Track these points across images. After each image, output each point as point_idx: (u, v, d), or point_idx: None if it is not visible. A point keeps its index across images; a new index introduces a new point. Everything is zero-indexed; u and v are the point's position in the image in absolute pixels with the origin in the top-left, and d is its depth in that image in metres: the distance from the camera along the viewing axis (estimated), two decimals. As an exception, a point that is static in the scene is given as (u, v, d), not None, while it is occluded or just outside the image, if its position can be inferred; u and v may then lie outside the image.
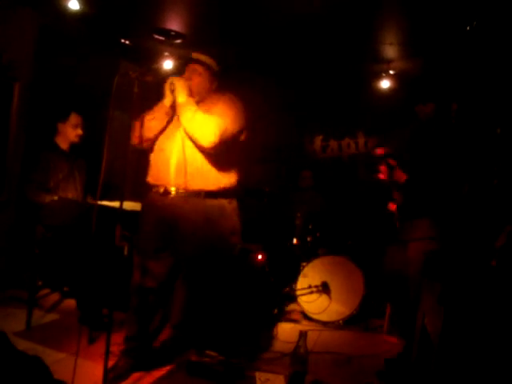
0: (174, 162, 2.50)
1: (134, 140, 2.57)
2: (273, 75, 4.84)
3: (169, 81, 2.54)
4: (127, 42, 4.34)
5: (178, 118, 2.52)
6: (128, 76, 2.24)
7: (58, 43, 4.06)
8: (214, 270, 2.55)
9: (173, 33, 4.10)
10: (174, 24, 3.98)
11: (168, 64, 4.64)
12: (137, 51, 4.57)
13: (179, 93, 2.50)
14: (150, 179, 2.59)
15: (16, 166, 3.83)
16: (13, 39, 3.69)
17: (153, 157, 2.61)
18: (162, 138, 2.60)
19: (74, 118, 3.41)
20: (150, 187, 2.60)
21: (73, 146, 3.47)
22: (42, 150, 3.38)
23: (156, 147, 2.60)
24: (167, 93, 2.54)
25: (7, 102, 3.74)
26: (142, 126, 2.53)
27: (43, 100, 3.95)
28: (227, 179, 2.56)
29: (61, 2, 3.54)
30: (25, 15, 3.78)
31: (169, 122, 2.59)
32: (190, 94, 2.53)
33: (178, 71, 2.76)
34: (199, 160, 2.50)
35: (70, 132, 3.41)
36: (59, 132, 3.43)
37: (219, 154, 2.48)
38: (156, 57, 4.63)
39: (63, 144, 3.44)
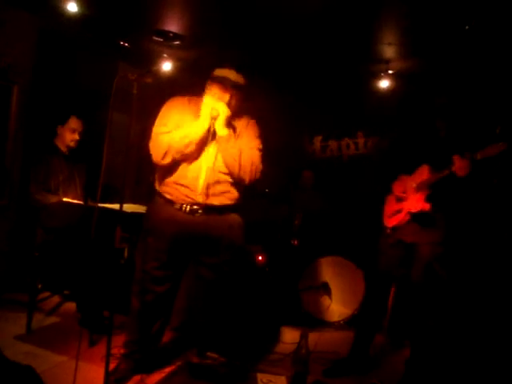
0: (201, 182, 2.44)
1: (162, 161, 2.40)
2: (272, 76, 4.83)
3: (208, 102, 2.41)
4: (126, 44, 4.34)
5: (212, 141, 2.46)
6: (127, 78, 2.23)
7: (56, 46, 4.06)
8: (235, 275, 2.62)
9: (171, 34, 4.09)
10: (173, 25, 3.98)
11: (167, 66, 4.64)
12: (136, 53, 4.57)
13: (221, 124, 2.41)
14: (169, 194, 2.48)
15: (16, 169, 3.83)
16: (12, 42, 3.69)
17: (174, 173, 2.47)
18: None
19: (72, 122, 3.40)
20: (162, 197, 2.51)
21: (72, 149, 3.45)
22: (42, 152, 3.37)
23: (179, 164, 2.47)
24: (206, 116, 2.40)
25: (6, 105, 3.73)
26: (174, 148, 2.37)
27: (42, 102, 3.95)
28: (242, 194, 2.60)
29: (59, 4, 3.53)
30: (24, 18, 3.77)
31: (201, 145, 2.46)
32: (229, 124, 2.47)
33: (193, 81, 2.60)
34: (226, 180, 2.51)
35: (68, 135, 3.40)
36: (58, 134, 3.43)
37: None
38: (155, 58, 4.63)
39: (62, 146, 3.43)
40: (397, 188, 2.89)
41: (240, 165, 2.43)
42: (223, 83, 2.43)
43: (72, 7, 3.55)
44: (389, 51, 4.03)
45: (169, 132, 2.42)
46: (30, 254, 3.24)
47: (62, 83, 4.09)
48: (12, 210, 3.84)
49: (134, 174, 5.23)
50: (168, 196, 2.48)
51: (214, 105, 2.40)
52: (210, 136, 2.43)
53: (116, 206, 2.45)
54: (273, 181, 5.01)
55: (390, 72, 4.40)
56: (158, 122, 2.50)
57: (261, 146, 2.58)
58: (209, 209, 2.47)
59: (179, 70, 4.74)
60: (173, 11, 3.74)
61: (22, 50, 3.80)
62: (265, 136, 2.66)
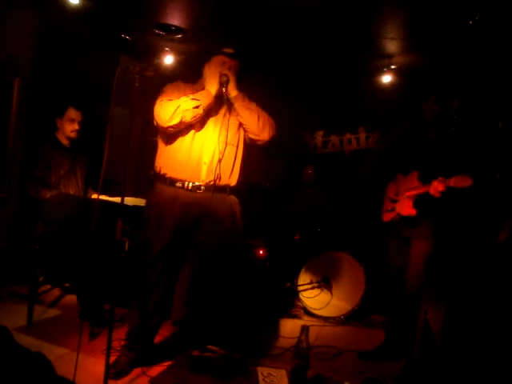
0: (207, 158, 2.50)
1: (169, 121, 2.42)
2: (273, 70, 4.82)
3: (218, 70, 2.52)
4: (128, 37, 4.33)
5: (224, 111, 2.55)
6: (129, 71, 2.22)
7: (58, 38, 4.04)
8: (230, 263, 2.62)
9: (173, 28, 4.08)
10: (175, 19, 3.96)
11: (168, 59, 4.62)
12: (137, 46, 4.55)
13: (232, 86, 2.52)
14: (171, 173, 2.51)
15: (16, 163, 3.82)
16: (13, 35, 3.67)
17: (177, 150, 2.52)
18: (191, 132, 2.53)
19: (70, 113, 3.37)
20: (164, 179, 2.53)
21: (73, 141, 3.44)
22: (43, 145, 3.35)
23: (182, 141, 2.53)
24: (215, 83, 2.51)
25: (7, 98, 3.72)
26: (183, 107, 2.42)
27: (44, 95, 3.93)
28: (241, 175, 2.64)
29: (60, -4, 3.53)
30: (25, 10, 3.75)
31: (207, 114, 2.54)
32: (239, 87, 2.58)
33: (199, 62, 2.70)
34: (230, 157, 2.56)
35: (67, 126, 3.37)
36: (58, 127, 3.41)
37: (251, 151, 2.66)
38: (156, 52, 4.61)
39: (63, 139, 3.42)
40: (391, 190, 3.08)
41: (259, 116, 2.54)
42: (224, 56, 2.57)
43: (73, -1, 3.54)
44: (391, 46, 4.02)
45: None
46: (31, 246, 3.24)
47: (64, 76, 4.08)
48: (12, 202, 3.84)
49: (135, 167, 5.23)
50: (169, 174, 2.52)
51: (222, 71, 2.51)
52: (223, 103, 2.53)
53: (117, 199, 2.45)
54: (273, 176, 5.01)
55: (393, 67, 4.39)
56: (161, 95, 2.54)
57: None
58: (211, 187, 2.49)
59: (181, 64, 4.72)
60: (175, 4, 3.73)
61: (23, 42, 3.79)
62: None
